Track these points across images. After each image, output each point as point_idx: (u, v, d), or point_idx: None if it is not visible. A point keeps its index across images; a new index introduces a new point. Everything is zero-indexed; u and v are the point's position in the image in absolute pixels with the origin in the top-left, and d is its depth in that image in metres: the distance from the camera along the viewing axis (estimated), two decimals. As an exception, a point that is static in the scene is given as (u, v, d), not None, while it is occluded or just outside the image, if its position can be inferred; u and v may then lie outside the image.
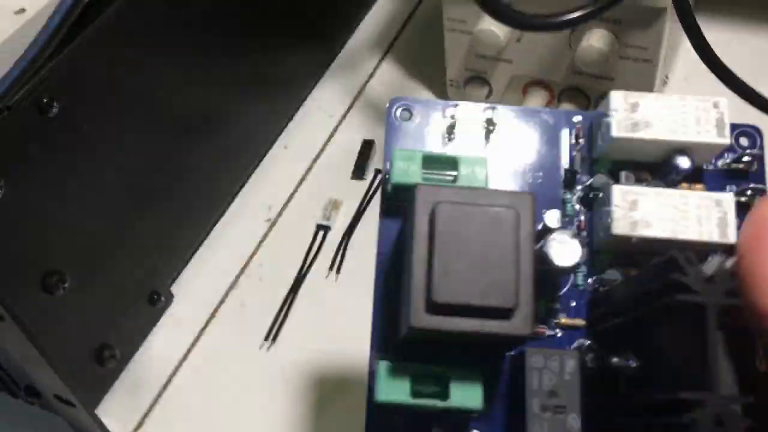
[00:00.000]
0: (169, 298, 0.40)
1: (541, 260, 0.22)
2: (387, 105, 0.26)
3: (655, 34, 0.40)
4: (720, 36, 0.49)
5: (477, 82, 0.46)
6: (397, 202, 0.25)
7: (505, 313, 0.20)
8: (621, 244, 0.24)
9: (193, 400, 0.38)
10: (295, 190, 0.45)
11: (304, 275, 0.41)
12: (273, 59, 0.46)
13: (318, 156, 0.47)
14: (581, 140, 0.26)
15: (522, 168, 0.26)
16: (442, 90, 0.49)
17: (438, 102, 0.26)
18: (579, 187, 0.26)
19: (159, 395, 0.38)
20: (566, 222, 0.26)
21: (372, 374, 0.23)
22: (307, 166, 0.46)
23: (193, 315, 0.40)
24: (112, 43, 0.32)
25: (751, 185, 0.25)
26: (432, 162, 0.24)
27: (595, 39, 0.40)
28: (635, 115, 0.24)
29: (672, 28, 0.40)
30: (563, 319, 0.24)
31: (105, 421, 0.36)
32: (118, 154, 0.35)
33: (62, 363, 0.32)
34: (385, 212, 0.25)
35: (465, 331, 0.20)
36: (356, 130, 0.48)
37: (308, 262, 0.42)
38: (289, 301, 0.40)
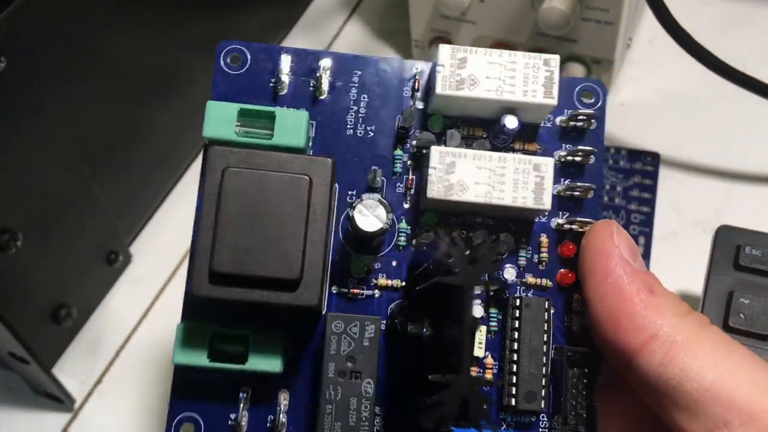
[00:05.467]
0: (128, 258, 0.40)
1: (351, 222, 0.22)
2: (216, 49, 0.24)
3: (616, -5, 0.39)
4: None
5: (441, 42, 0.46)
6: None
7: (289, 285, 0.20)
8: (439, 205, 0.24)
9: (151, 359, 0.38)
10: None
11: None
12: (235, 18, 0.45)
13: (281, 116, 0.47)
14: (417, 93, 0.25)
15: (353, 121, 0.25)
16: (407, 50, 0.48)
17: (272, 47, 0.25)
18: (413, 142, 0.24)
19: (117, 354, 0.38)
20: (396, 180, 0.24)
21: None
22: (270, 127, 0.46)
23: (152, 274, 0.40)
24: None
25: (580, 148, 0.24)
26: (249, 115, 0.23)
27: (558, 0, 0.40)
28: (462, 72, 0.23)
29: (634, -10, 0.40)
30: (381, 280, 0.24)
31: (63, 378, 0.36)
32: (71, 112, 0.34)
33: (16, 320, 0.32)
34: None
35: (248, 301, 0.20)
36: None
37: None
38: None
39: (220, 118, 0.22)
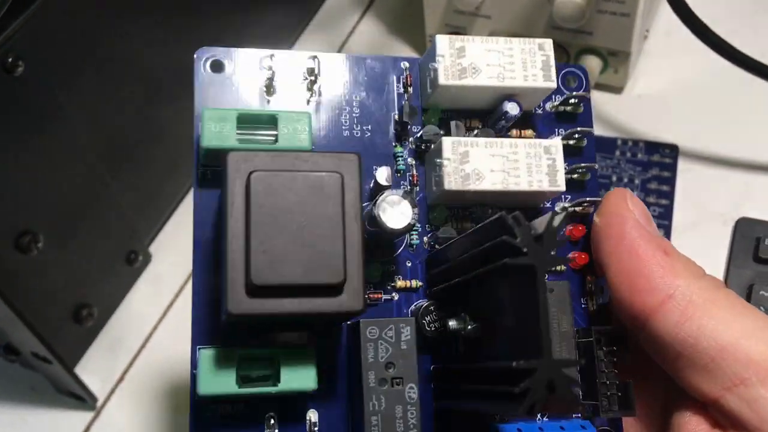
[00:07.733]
0: (148, 257, 0.40)
1: (373, 222, 0.21)
2: (194, 57, 0.22)
3: (632, -13, 0.39)
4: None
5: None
6: (212, 167, 0.22)
7: (333, 290, 0.19)
8: (454, 197, 0.23)
9: (171, 357, 0.38)
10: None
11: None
12: (250, 15, 0.45)
13: (297, 115, 0.47)
14: (410, 88, 0.24)
15: (348, 121, 0.24)
16: (421, 47, 0.48)
17: (253, 51, 0.23)
18: (411, 139, 0.24)
19: (138, 352, 0.39)
20: (399, 177, 0.24)
21: (194, 368, 0.21)
22: (286, 125, 0.46)
23: (171, 274, 0.41)
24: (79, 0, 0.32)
25: (578, 129, 0.24)
26: (248, 121, 0.21)
27: (572, -7, 0.40)
28: (462, 61, 0.22)
29: (650, -19, 0.40)
30: (399, 282, 0.23)
31: (85, 377, 0.36)
32: (90, 114, 0.35)
33: (38, 321, 0.33)
34: (201, 182, 0.22)
35: (292, 313, 0.18)
36: (335, 88, 0.47)
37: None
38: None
39: (219, 126, 0.21)
